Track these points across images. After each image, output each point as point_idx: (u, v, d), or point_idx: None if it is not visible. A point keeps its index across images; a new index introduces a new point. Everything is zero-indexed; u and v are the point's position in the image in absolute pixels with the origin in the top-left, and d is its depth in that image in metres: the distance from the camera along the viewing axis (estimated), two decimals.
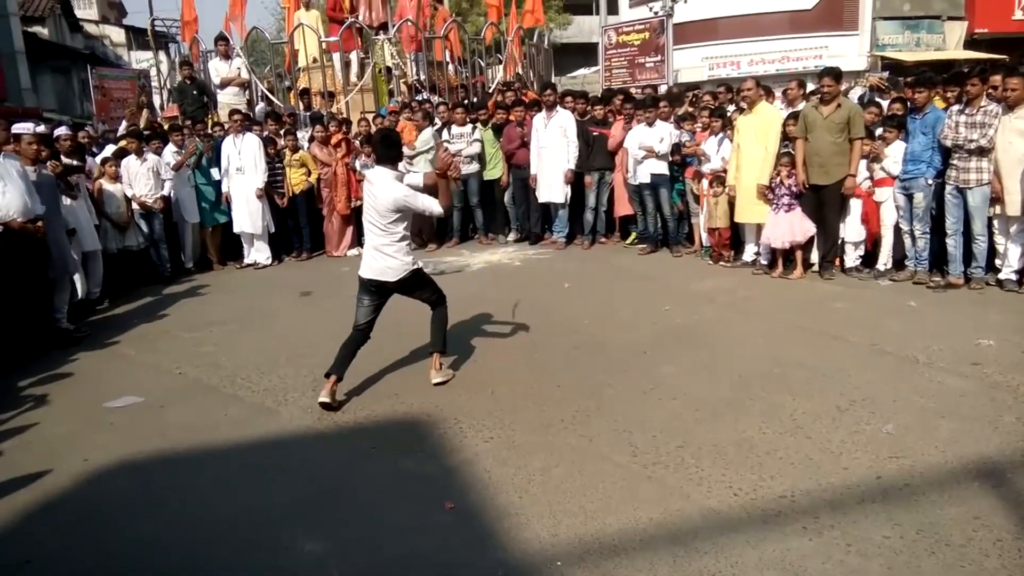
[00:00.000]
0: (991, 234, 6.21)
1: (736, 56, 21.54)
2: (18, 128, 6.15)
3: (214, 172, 8.85)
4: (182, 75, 11.13)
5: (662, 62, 15.10)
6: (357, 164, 8.84)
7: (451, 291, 4.97)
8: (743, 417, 4.01)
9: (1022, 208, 5.88)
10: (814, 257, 7.06)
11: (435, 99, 10.93)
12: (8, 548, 3.20)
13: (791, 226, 6.83)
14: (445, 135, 9.25)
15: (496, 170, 9.39)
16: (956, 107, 6.29)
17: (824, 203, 6.75)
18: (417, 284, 4.65)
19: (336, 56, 11.60)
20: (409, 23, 11.55)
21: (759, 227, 7.19)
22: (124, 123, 10.91)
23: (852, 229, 6.87)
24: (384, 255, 4.46)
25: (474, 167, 9.27)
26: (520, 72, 13.12)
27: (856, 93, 10.04)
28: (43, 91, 23.15)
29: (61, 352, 5.87)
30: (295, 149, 9.06)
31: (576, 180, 8.79)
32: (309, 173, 9.09)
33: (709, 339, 5.39)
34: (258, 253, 9.05)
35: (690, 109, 8.72)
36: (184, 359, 5.59)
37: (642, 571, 2.75)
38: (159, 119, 11.37)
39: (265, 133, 9.19)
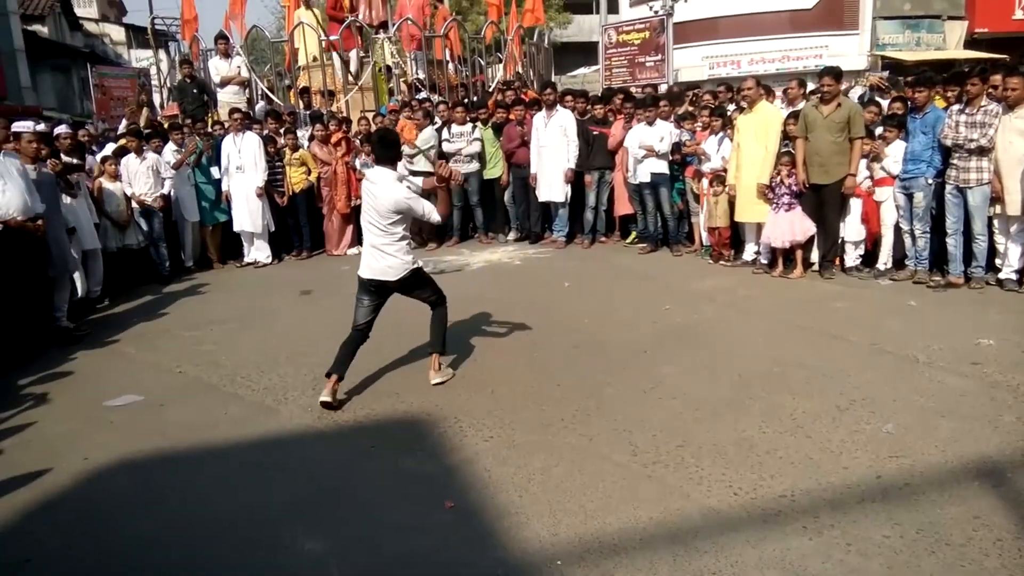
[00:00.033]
0: (991, 234, 6.21)
1: (736, 55, 21.54)
2: (18, 126, 6.15)
3: (214, 171, 8.85)
4: (182, 74, 11.13)
5: (662, 61, 15.10)
6: (357, 163, 8.84)
7: (451, 290, 4.97)
8: (743, 416, 4.01)
9: (1022, 208, 5.89)
10: (814, 256, 7.06)
11: (435, 98, 10.92)
12: (8, 547, 3.20)
13: (791, 225, 6.83)
14: (445, 134, 9.25)
15: (496, 169, 9.39)
16: (956, 107, 6.28)
17: (824, 202, 6.76)
18: (417, 283, 4.64)
19: (336, 55, 11.59)
20: (409, 22, 11.54)
21: (759, 226, 7.19)
22: (124, 121, 10.90)
23: (852, 228, 6.87)
24: (384, 255, 4.45)
25: (474, 166, 9.27)
26: (520, 71, 13.10)
27: (856, 92, 10.04)
28: (43, 89, 23.14)
29: (61, 351, 5.87)
30: (295, 148, 9.06)
31: (576, 179, 8.78)
32: (309, 172, 9.09)
33: (709, 338, 5.39)
34: (258, 252, 9.05)
35: (690, 108, 8.71)
36: (184, 358, 5.59)
37: (642, 570, 2.76)
38: (159, 118, 11.36)
39: (265, 132, 9.18)
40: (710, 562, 2.77)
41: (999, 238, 6.20)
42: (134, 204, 7.91)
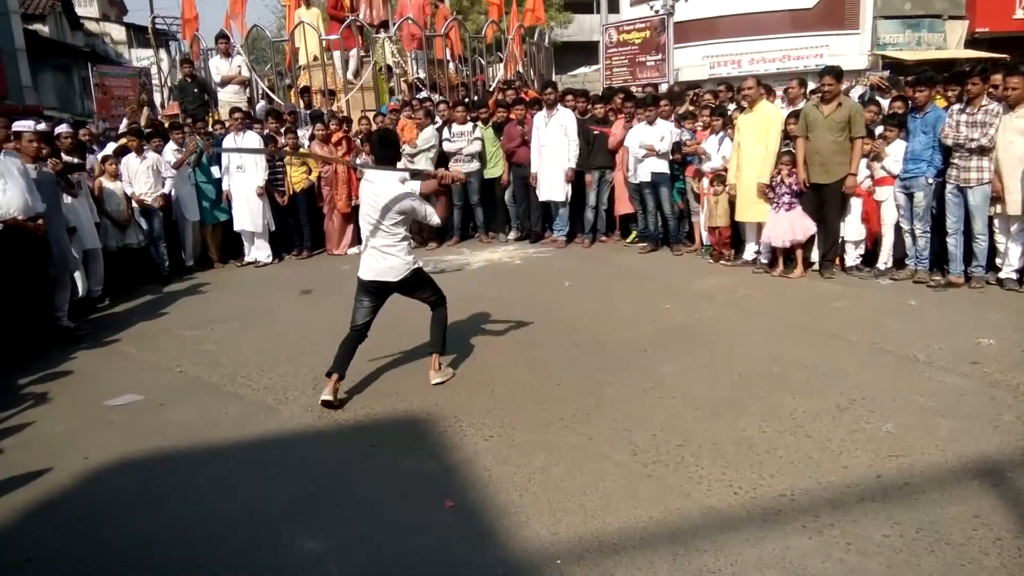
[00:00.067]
0: (991, 233, 6.21)
1: (737, 55, 21.53)
2: (19, 126, 6.15)
3: (214, 170, 8.85)
4: (183, 73, 11.13)
5: (663, 61, 15.10)
6: (357, 162, 8.84)
7: (451, 290, 4.97)
8: (743, 416, 4.01)
9: (1022, 207, 5.88)
10: (814, 256, 7.06)
11: (436, 97, 10.92)
12: (8, 546, 3.20)
13: (791, 225, 6.83)
14: (445, 133, 9.25)
15: (496, 168, 9.39)
16: (957, 106, 6.28)
17: (824, 202, 6.75)
18: (418, 283, 4.64)
19: (336, 54, 11.59)
20: (410, 21, 11.54)
21: (759, 226, 7.19)
22: (125, 121, 10.90)
23: (852, 228, 6.87)
24: (386, 255, 4.44)
25: (474, 165, 9.27)
26: (521, 70, 13.10)
27: (856, 92, 10.04)
28: (44, 89, 23.15)
29: (61, 350, 5.87)
30: (296, 147, 9.05)
31: (577, 178, 8.78)
32: (310, 171, 9.09)
33: (709, 338, 5.39)
34: (258, 251, 9.05)
35: (691, 108, 8.71)
36: (184, 357, 5.59)
37: (642, 569, 2.76)
38: (160, 117, 11.36)
39: (266, 131, 9.18)
40: (710, 561, 2.77)
41: (999, 237, 6.20)
42: (134, 203, 7.91)
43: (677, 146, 8.02)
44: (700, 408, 4.14)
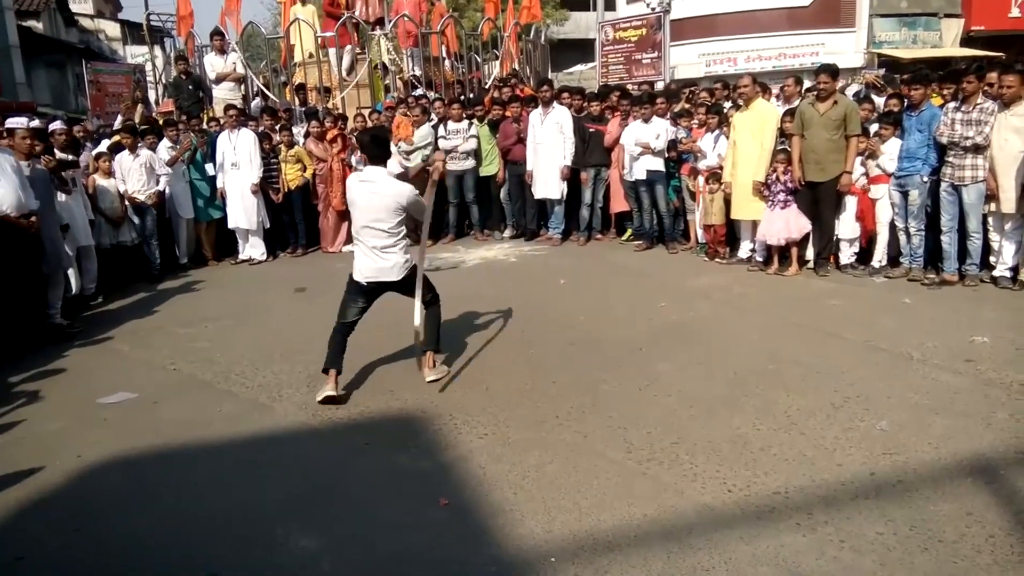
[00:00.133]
0: (986, 231, 6.23)
1: (733, 53, 21.51)
2: (11, 123, 6.13)
3: (209, 167, 8.83)
4: (177, 70, 11.09)
5: (659, 58, 15.09)
6: (353, 160, 8.83)
7: (446, 287, 4.97)
8: (738, 413, 4.01)
9: (1017, 205, 5.90)
10: (809, 254, 7.06)
11: (431, 95, 10.90)
12: (1, 545, 3.19)
13: (787, 223, 6.84)
14: (441, 131, 9.23)
15: (492, 166, 9.38)
16: (952, 104, 6.30)
17: (820, 200, 6.76)
18: (415, 281, 4.64)
19: (332, 51, 11.56)
20: (405, 18, 11.51)
21: (755, 224, 7.20)
22: (120, 117, 10.87)
23: (847, 226, 6.88)
24: (386, 255, 4.41)
25: (470, 163, 9.26)
26: (517, 68, 13.08)
27: (851, 90, 10.04)
28: (37, 86, 23.04)
29: (54, 348, 5.85)
30: (290, 144, 9.04)
31: (572, 176, 8.78)
32: (304, 169, 9.07)
33: (704, 336, 5.39)
34: (253, 249, 9.02)
35: (687, 106, 8.71)
36: (178, 355, 5.58)
37: (636, 567, 2.76)
38: (154, 114, 11.33)
39: (261, 128, 9.16)
40: (704, 559, 2.78)
41: (993, 236, 6.21)
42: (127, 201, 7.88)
43: (673, 144, 8.02)
44: (695, 406, 4.14)
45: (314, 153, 9.09)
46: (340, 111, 10.40)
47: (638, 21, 15.88)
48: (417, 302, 4.54)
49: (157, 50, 14.45)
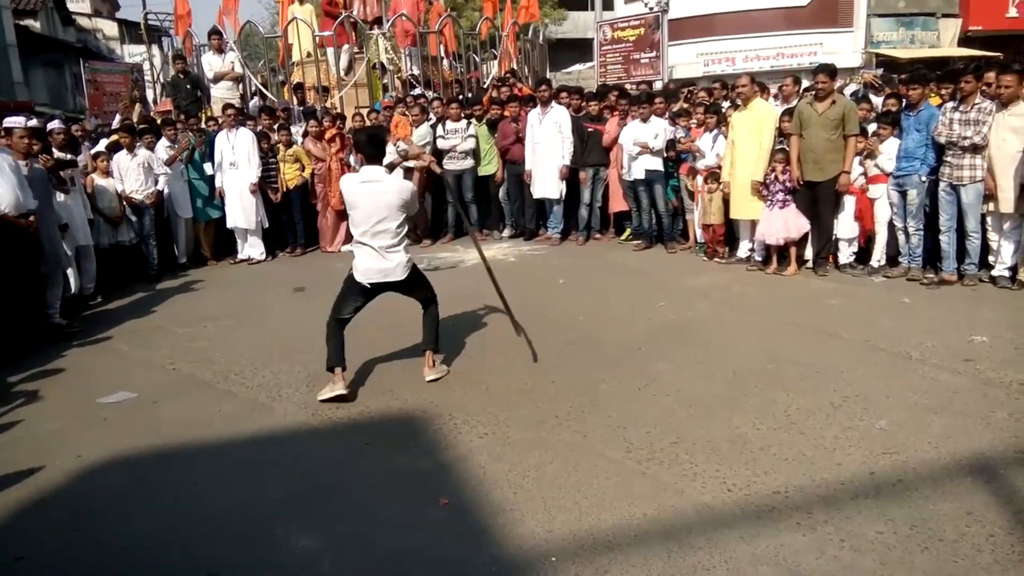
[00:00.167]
0: (984, 231, 6.24)
1: (731, 52, 21.51)
2: (9, 122, 6.12)
3: (207, 167, 8.82)
4: (175, 69, 11.08)
5: (657, 58, 15.12)
6: (352, 160, 8.82)
7: (445, 287, 4.98)
8: (737, 413, 4.01)
9: (1015, 205, 5.91)
10: (808, 253, 7.07)
11: (430, 94, 10.90)
12: (1, 545, 3.19)
13: (785, 222, 6.85)
14: (439, 131, 9.23)
15: (491, 166, 9.38)
16: (950, 104, 6.30)
17: (818, 200, 6.77)
18: (417, 281, 4.66)
19: (330, 51, 11.56)
20: (404, 18, 11.51)
21: (753, 223, 7.20)
22: (118, 117, 10.86)
23: (846, 226, 6.89)
24: (391, 254, 4.40)
25: (469, 163, 9.26)
26: (515, 67, 13.08)
27: (849, 90, 10.05)
28: (35, 85, 23.00)
29: (53, 347, 5.84)
30: (289, 144, 9.03)
31: (571, 176, 8.78)
32: (303, 168, 9.07)
33: (703, 335, 5.40)
34: (252, 248, 9.02)
35: (685, 105, 8.72)
36: (177, 354, 5.57)
37: (636, 566, 2.76)
38: (152, 113, 11.32)
39: (259, 128, 9.16)
40: (704, 558, 2.78)
41: (992, 235, 6.22)
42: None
43: (671, 143, 8.03)
44: (694, 405, 4.15)
45: (312, 153, 9.08)
46: (338, 110, 10.40)
47: (636, 21, 15.91)
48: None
49: (155, 49, 14.43)
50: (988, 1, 20.89)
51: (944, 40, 21.17)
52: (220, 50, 10.97)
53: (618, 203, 8.79)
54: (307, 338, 5.53)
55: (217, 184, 8.78)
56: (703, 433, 3.80)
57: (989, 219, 6.18)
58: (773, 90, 8.51)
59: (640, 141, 7.95)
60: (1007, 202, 5.94)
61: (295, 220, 9.25)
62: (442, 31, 12.16)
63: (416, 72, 11.86)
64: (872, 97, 8.34)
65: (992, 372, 4.41)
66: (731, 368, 4.67)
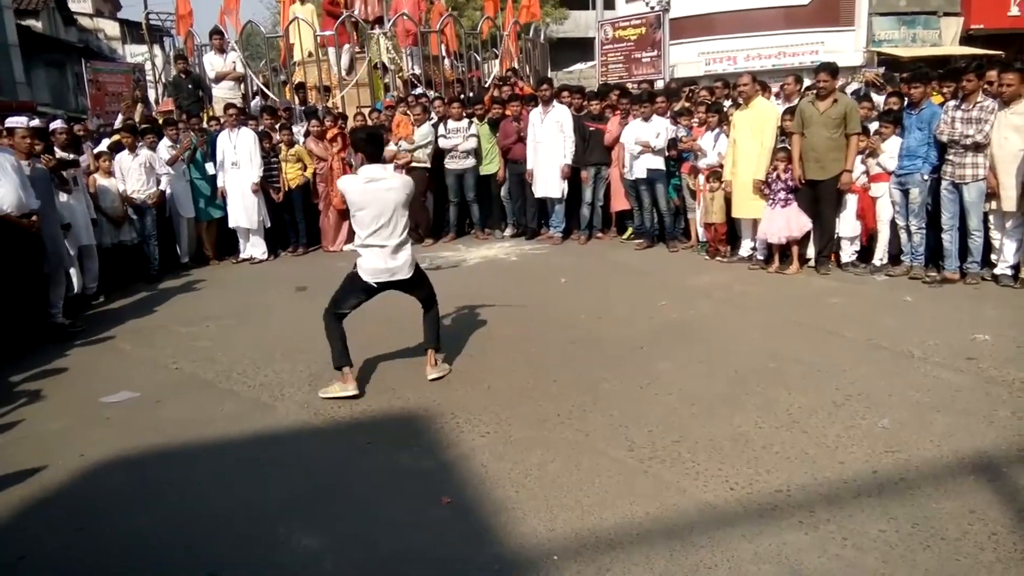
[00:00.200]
0: (987, 229, 6.23)
1: (732, 51, 21.50)
2: (11, 122, 6.12)
3: (209, 167, 8.83)
4: (177, 69, 11.09)
5: (658, 57, 15.07)
6: (354, 160, 8.82)
7: (447, 287, 4.98)
8: (739, 412, 4.01)
9: (1018, 203, 5.90)
10: (810, 252, 7.07)
11: (431, 94, 10.90)
12: (4, 544, 3.19)
13: (787, 221, 6.84)
14: (441, 130, 9.24)
15: (492, 165, 9.38)
16: (952, 103, 6.30)
17: (820, 198, 6.76)
18: (421, 279, 4.69)
19: (331, 50, 11.56)
20: (405, 17, 11.51)
21: (755, 222, 7.20)
22: (120, 117, 10.86)
23: (847, 224, 6.88)
24: (399, 252, 4.42)
25: (470, 162, 9.26)
26: (516, 66, 13.08)
27: (850, 89, 10.04)
28: (37, 85, 23.04)
29: (56, 347, 5.85)
30: (291, 144, 9.04)
31: (572, 175, 8.78)
32: (305, 168, 9.07)
33: (705, 334, 5.40)
34: (254, 248, 9.03)
35: (686, 104, 8.71)
36: (180, 354, 5.58)
37: (638, 565, 2.76)
38: (154, 113, 11.32)
39: (261, 128, 9.16)
40: (706, 556, 2.78)
41: (994, 234, 6.22)
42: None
43: (673, 142, 8.02)
44: (696, 404, 4.14)
45: (314, 152, 9.09)
46: (340, 110, 10.40)
47: (637, 20, 15.85)
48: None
49: (156, 49, 14.45)
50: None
51: (946, 39, 21.15)
52: (222, 50, 10.98)
53: (620, 202, 8.78)
54: (309, 337, 5.53)
55: (219, 184, 8.79)
56: (705, 432, 3.80)
57: (991, 217, 6.18)
58: (775, 89, 8.51)
59: (642, 140, 7.95)
60: (1009, 200, 5.94)
61: (297, 219, 9.25)
62: (443, 30, 12.16)
63: (417, 71, 11.86)
64: (874, 96, 8.33)
65: (995, 370, 4.41)
66: (733, 367, 4.67)
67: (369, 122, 9.18)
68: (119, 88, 13.84)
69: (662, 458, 3.56)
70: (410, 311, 5.00)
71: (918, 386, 4.24)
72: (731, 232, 7.72)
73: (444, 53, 12.35)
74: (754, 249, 7.35)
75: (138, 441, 4.10)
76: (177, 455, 3.96)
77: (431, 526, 3.11)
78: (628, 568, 2.75)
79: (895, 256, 6.85)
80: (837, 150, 6.57)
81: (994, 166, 5.98)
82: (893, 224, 6.73)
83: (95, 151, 8.13)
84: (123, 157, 7.87)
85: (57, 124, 7.61)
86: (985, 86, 6.05)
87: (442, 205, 9.77)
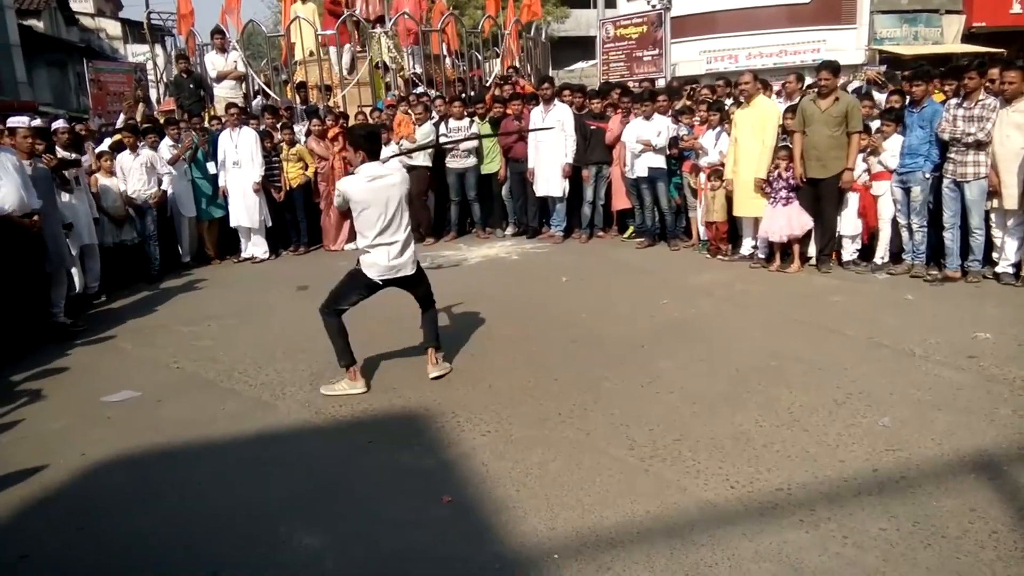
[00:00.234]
0: (988, 227, 6.22)
1: (734, 50, 21.49)
2: (13, 122, 6.13)
3: (210, 166, 8.84)
4: (178, 69, 11.10)
5: (660, 56, 15.05)
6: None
7: (448, 285, 4.99)
8: (740, 410, 4.01)
9: (1019, 201, 5.89)
10: (811, 251, 7.06)
11: (432, 93, 10.90)
12: (5, 543, 3.20)
13: (788, 220, 6.84)
14: (442, 129, 9.24)
15: (494, 164, 9.38)
16: (954, 101, 6.29)
17: (821, 197, 6.76)
18: (422, 276, 4.71)
19: (332, 50, 11.56)
20: (406, 16, 11.51)
21: (756, 221, 7.19)
22: (122, 116, 10.88)
23: (849, 223, 6.87)
24: (405, 248, 4.44)
25: (472, 161, 9.26)
26: (517, 65, 13.07)
27: (851, 87, 10.02)
28: (39, 85, 23.07)
29: (57, 346, 5.86)
30: (292, 143, 9.05)
31: (574, 174, 8.78)
32: (306, 167, 9.08)
33: (706, 333, 5.39)
34: (255, 247, 9.04)
35: (688, 103, 8.70)
36: (181, 353, 5.58)
37: (639, 563, 2.76)
38: (156, 113, 11.33)
39: (262, 127, 9.17)
40: (707, 555, 2.78)
41: (996, 232, 6.21)
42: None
43: (674, 141, 8.02)
44: (697, 403, 4.14)
45: (315, 151, 9.10)
46: (341, 109, 10.40)
47: (639, 18, 15.83)
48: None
49: (158, 49, 14.46)
50: None
51: (948, 36, 21.12)
52: (223, 49, 10.98)
53: (621, 201, 8.78)
54: (310, 336, 5.53)
55: (220, 183, 8.80)
56: (706, 430, 3.80)
57: (993, 216, 6.17)
58: (776, 87, 8.50)
59: (643, 139, 7.94)
60: (1011, 198, 5.93)
61: (298, 219, 9.26)
62: (444, 29, 12.15)
63: (419, 70, 11.86)
64: (875, 94, 8.33)
65: (996, 369, 4.40)
66: (734, 365, 4.66)
67: (370, 121, 9.17)
68: (121, 88, 13.87)
69: (663, 457, 3.56)
70: (410, 310, 4.99)
71: (919, 384, 4.24)
72: (732, 231, 7.71)
73: (445, 52, 12.35)
74: (755, 247, 7.34)
75: (139, 440, 4.10)
76: (178, 454, 3.96)
77: (432, 525, 3.12)
78: (629, 566, 2.75)
79: (896, 254, 6.85)
80: (838, 148, 6.56)
81: (996, 164, 5.97)
82: (894, 222, 6.72)
83: (97, 151, 8.13)
84: (124, 157, 7.88)
85: (59, 124, 7.62)
86: (987, 84, 6.04)
87: (443, 204, 9.77)
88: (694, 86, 9.77)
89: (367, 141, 4.46)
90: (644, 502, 3.16)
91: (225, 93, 10.79)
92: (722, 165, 7.39)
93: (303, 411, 4.38)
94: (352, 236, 9.12)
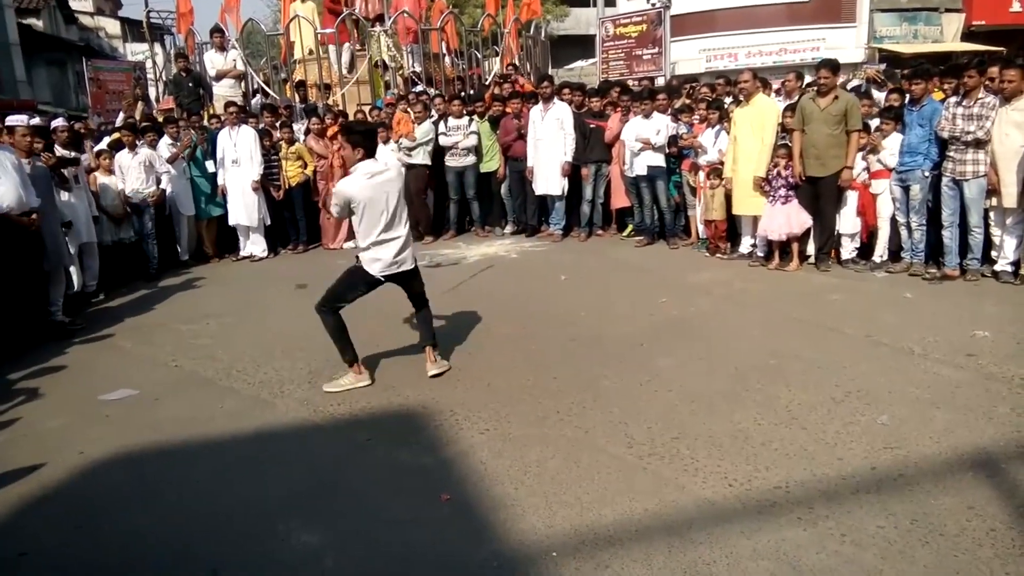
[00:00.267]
0: (987, 226, 6.22)
1: (734, 48, 21.49)
2: (12, 120, 6.13)
3: (209, 164, 8.83)
4: (177, 67, 11.09)
5: (659, 54, 15.04)
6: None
7: (448, 284, 4.98)
8: (739, 408, 4.01)
9: (1018, 200, 5.89)
10: (810, 249, 7.06)
11: (431, 91, 10.90)
12: (3, 541, 3.20)
13: (787, 218, 6.84)
14: (441, 127, 9.23)
15: (493, 162, 9.38)
16: (953, 99, 6.29)
17: (820, 195, 6.76)
18: (418, 272, 4.72)
19: (332, 48, 11.56)
20: (405, 15, 11.50)
21: (756, 219, 7.19)
22: (121, 115, 10.87)
23: (848, 221, 6.87)
24: (406, 244, 4.47)
25: (471, 159, 9.25)
26: (517, 64, 13.07)
27: (852, 85, 10.02)
28: (38, 84, 23.06)
29: (55, 344, 5.85)
30: (291, 141, 9.04)
31: (573, 172, 8.78)
32: (305, 165, 9.07)
33: (705, 331, 5.39)
34: (254, 246, 9.03)
35: (687, 101, 8.70)
36: (180, 351, 5.58)
37: (637, 561, 2.76)
38: (155, 111, 11.32)
39: (261, 125, 9.16)
40: (705, 553, 2.78)
41: (995, 230, 6.21)
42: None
43: (673, 140, 8.01)
44: (696, 401, 4.14)
45: (315, 150, 9.09)
46: (340, 108, 10.40)
47: (638, 17, 15.81)
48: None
49: (157, 47, 14.44)
50: None
51: (947, 35, 21.13)
52: (222, 48, 10.98)
53: (620, 199, 8.78)
54: (309, 335, 5.53)
55: (219, 182, 8.79)
56: (704, 428, 3.80)
57: (992, 214, 6.17)
58: (775, 85, 8.50)
59: (642, 137, 7.94)
60: (1010, 197, 5.93)
61: (297, 217, 9.25)
62: (444, 28, 12.15)
63: (418, 69, 11.86)
64: (875, 92, 8.32)
65: (994, 367, 4.40)
66: (733, 364, 4.66)
67: (370, 120, 9.16)
68: (120, 86, 13.86)
69: (661, 455, 3.56)
70: (409, 308, 5.00)
71: (918, 382, 4.24)
72: (731, 229, 7.71)
73: (445, 51, 12.34)
74: (754, 246, 7.34)
75: (137, 439, 4.10)
76: (176, 453, 3.96)
77: (431, 523, 3.12)
78: (627, 564, 2.75)
79: (895, 253, 6.85)
80: (838, 147, 6.56)
81: (995, 162, 5.97)
82: (893, 221, 6.72)
83: (96, 149, 8.13)
84: (123, 155, 7.88)
85: (58, 122, 7.62)
86: (986, 82, 6.04)
87: (442, 203, 9.76)
88: (693, 84, 9.77)
89: (365, 138, 4.45)
90: (642, 500, 3.16)
91: (224, 92, 10.78)
92: (721, 163, 7.39)
93: (302, 409, 4.38)
94: (351, 235, 9.13)
